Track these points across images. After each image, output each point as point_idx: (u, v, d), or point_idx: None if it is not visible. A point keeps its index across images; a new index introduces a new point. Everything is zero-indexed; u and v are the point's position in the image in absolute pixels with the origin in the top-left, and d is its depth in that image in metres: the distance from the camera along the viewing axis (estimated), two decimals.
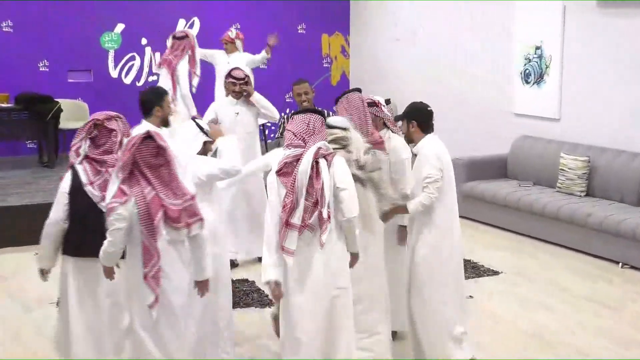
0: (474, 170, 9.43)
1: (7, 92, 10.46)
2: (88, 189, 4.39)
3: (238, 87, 7.15)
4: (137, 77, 11.90)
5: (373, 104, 5.37)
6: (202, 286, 4.33)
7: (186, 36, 9.40)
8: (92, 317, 4.51)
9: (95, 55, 11.56)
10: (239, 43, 10.00)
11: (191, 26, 12.04)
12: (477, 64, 10.56)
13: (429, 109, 5.16)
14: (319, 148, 4.28)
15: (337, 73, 13.30)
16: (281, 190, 4.27)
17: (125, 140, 4.29)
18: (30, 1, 11.01)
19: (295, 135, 4.32)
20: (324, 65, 13.19)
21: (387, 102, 5.67)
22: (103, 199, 4.23)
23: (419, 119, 5.10)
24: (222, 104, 7.38)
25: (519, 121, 9.88)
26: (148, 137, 4.06)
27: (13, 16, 11.05)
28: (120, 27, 11.72)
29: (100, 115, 4.50)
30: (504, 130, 10.02)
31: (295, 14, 12.78)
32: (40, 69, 11.26)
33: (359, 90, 5.32)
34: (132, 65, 11.89)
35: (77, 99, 11.33)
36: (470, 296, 6.64)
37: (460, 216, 9.27)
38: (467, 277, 7.12)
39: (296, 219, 4.22)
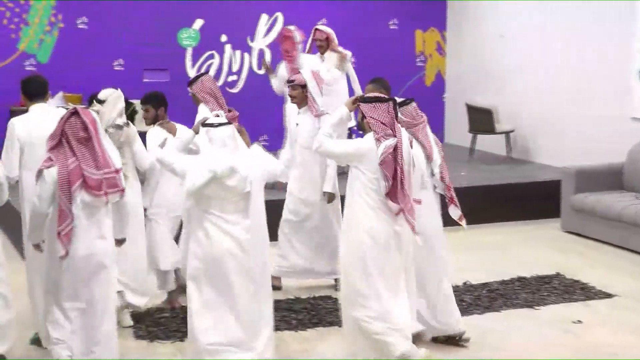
0: (584, 180, 9.19)
1: (80, 93, 10.77)
2: None
3: (290, 91, 7.06)
4: (216, 76, 12.07)
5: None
6: (119, 243, 5.27)
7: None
8: None
9: (172, 53, 11.80)
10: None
11: (274, 22, 12.16)
12: (590, 62, 10.31)
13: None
14: (408, 137, 5.20)
15: (432, 72, 13.20)
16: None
17: None
18: None
19: (386, 125, 5.13)
20: (417, 64, 13.11)
21: (409, 101, 5.86)
22: None
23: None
24: (292, 113, 7.32)
25: (638, 126, 9.58)
26: (75, 113, 4.88)
27: (88, 12, 11.40)
28: (199, 23, 11.94)
29: None
30: (620, 136, 9.73)
31: (386, 8, 12.75)
32: (115, 68, 11.57)
33: (207, 72, 6.98)
34: (211, 64, 12.09)
35: None
36: (579, 321, 6.47)
37: (568, 231, 9.18)
38: (575, 300, 6.97)
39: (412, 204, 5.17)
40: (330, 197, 6.98)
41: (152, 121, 6.69)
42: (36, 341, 5.86)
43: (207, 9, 11.88)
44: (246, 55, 12.17)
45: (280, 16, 12.23)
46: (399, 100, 5.67)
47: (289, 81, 7.06)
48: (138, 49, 11.57)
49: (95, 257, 4.96)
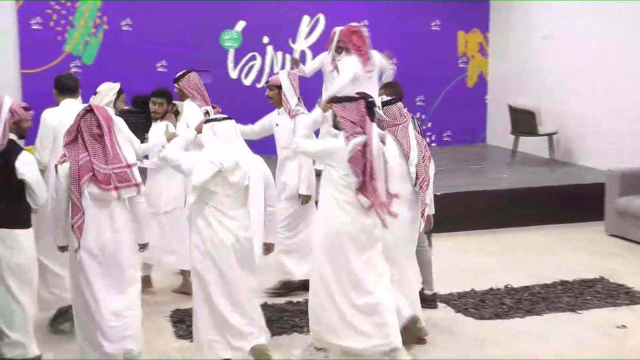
0: (629, 183, 9.08)
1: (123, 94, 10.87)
2: None
3: (267, 92, 7.12)
4: (257, 78, 12.15)
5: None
6: (142, 248, 5.48)
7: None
8: None
9: (215, 54, 11.89)
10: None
11: (316, 24, 12.19)
12: (635, 63, 10.17)
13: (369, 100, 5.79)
14: (379, 134, 5.43)
15: (474, 74, 13.12)
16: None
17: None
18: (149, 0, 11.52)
19: (355, 124, 5.38)
20: (459, 65, 13.05)
21: (395, 101, 6.01)
22: None
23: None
24: (273, 114, 7.25)
25: None
26: (90, 110, 5.19)
27: (132, 14, 11.55)
28: (241, 24, 12.01)
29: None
30: None
31: (428, 9, 12.72)
32: (158, 70, 11.69)
33: (193, 70, 7.26)
34: (253, 65, 12.16)
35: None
36: (623, 325, 6.39)
37: (612, 235, 9.07)
38: (619, 304, 6.89)
39: (383, 198, 5.37)
40: (305, 199, 7.01)
41: (162, 115, 7.00)
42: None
43: (249, 11, 11.95)
44: (288, 56, 12.21)
45: (322, 17, 12.25)
46: (385, 99, 5.96)
47: (266, 82, 7.16)
48: (181, 50, 11.67)
49: (106, 250, 5.17)
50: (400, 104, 5.98)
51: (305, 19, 12.24)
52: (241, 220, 5.33)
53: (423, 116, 12.88)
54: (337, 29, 9.47)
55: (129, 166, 5.23)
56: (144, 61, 11.56)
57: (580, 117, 11.14)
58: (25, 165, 5.27)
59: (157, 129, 6.90)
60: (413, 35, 12.57)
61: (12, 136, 5.34)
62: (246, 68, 12.12)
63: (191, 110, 6.99)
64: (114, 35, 11.51)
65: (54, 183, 5.27)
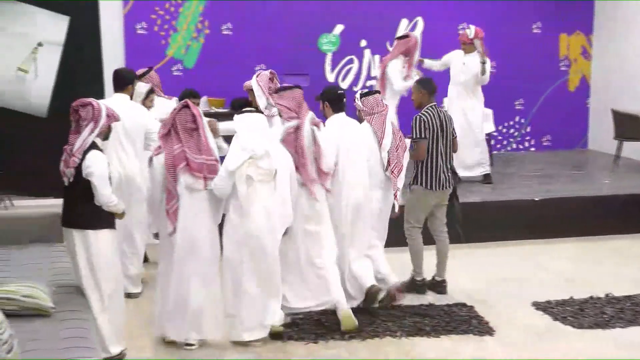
0: None
1: (223, 97, 11.04)
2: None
3: (250, 97, 7.18)
4: (354, 81, 12.12)
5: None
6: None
7: (405, 37, 9.79)
8: None
9: (312, 58, 11.92)
10: (477, 42, 9.94)
11: (414, 27, 12.10)
12: None
13: (339, 91, 6.55)
14: (312, 119, 6.09)
15: (576, 77, 12.77)
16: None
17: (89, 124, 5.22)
18: (250, 1, 11.60)
19: (290, 109, 6.05)
20: (561, 68, 12.71)
21: (373, 92, 6.78)
22: (64, 173, 5.21)
23: (329, 99, 6.41)
24: None
25: None
26: (186, 106, 5.58)
27: (233, 19, 11.69)
28: (339, 28, 12.02)
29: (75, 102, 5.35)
30: None
31: (529, 11, 12.46)
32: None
33: (151, 68, 8.13)
34: (350, 69, 12.14)
35: None
36: None
37: None
38: None
39: (312, 174, 6.02)
40: None
41: None
42: None
43: (347, 14, 11.94)
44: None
45: (420, 21, 12.14)
46: (364, 91, 6.75)
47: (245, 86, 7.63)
48: (279, 53, 11.74)
49: (196, 236, 5.61)
50: (377, 95, 6.66)
51: (404, 22, 12.15)
52: (269, 206, 5.70)
53: (522, 120, 12.61)
54: (416, 36, 9.76)
55: (216, 160, 5.64)
56: (243, 64, 11.68)
57: None
58: (89, 162, 5.11)
59: None
60: (513, 38, 12.32)
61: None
62: (343, 71, 12.11)
63: (164, 104, 7.64)
64: (214, 39, 11.68)
65: (149, 173, 5.72)
